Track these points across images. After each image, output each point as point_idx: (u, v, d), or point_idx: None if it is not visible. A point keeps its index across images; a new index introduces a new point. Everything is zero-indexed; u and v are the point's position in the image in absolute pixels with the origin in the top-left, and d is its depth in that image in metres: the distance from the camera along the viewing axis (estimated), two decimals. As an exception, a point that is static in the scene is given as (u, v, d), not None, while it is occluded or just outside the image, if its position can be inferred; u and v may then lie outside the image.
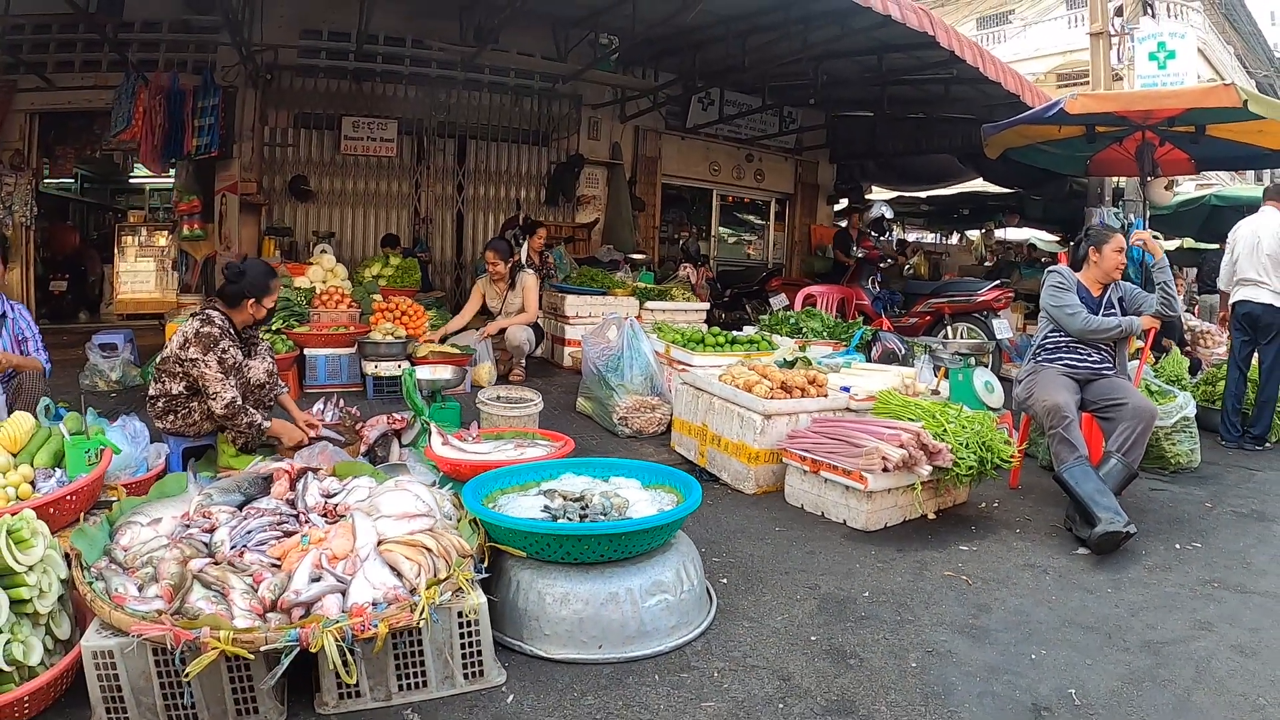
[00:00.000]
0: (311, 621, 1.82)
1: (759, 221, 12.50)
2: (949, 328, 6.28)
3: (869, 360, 5.03)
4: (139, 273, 9.30)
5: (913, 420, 3.50)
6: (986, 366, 4.68)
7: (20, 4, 6.98)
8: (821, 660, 2.21)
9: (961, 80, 7.82)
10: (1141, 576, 3.00)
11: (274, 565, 2.21)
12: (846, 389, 4.03)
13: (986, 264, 10.15)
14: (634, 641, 2.15)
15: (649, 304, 6.58)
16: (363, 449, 3.99)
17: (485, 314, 6.06)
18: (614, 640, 2.13)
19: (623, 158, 9.77)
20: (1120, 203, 8.04)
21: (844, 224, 7.60)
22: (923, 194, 11.36)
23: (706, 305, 7.01)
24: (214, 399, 3.59)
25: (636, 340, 4.69)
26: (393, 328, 5.58)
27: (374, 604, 1.90)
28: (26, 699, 1.90)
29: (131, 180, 11.86)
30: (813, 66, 8.01)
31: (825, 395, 3.89)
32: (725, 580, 2.70)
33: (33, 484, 2.67)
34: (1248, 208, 8.55)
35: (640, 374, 4.58)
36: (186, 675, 1.82)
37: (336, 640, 1.77)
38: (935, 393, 4.28)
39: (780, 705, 1.97)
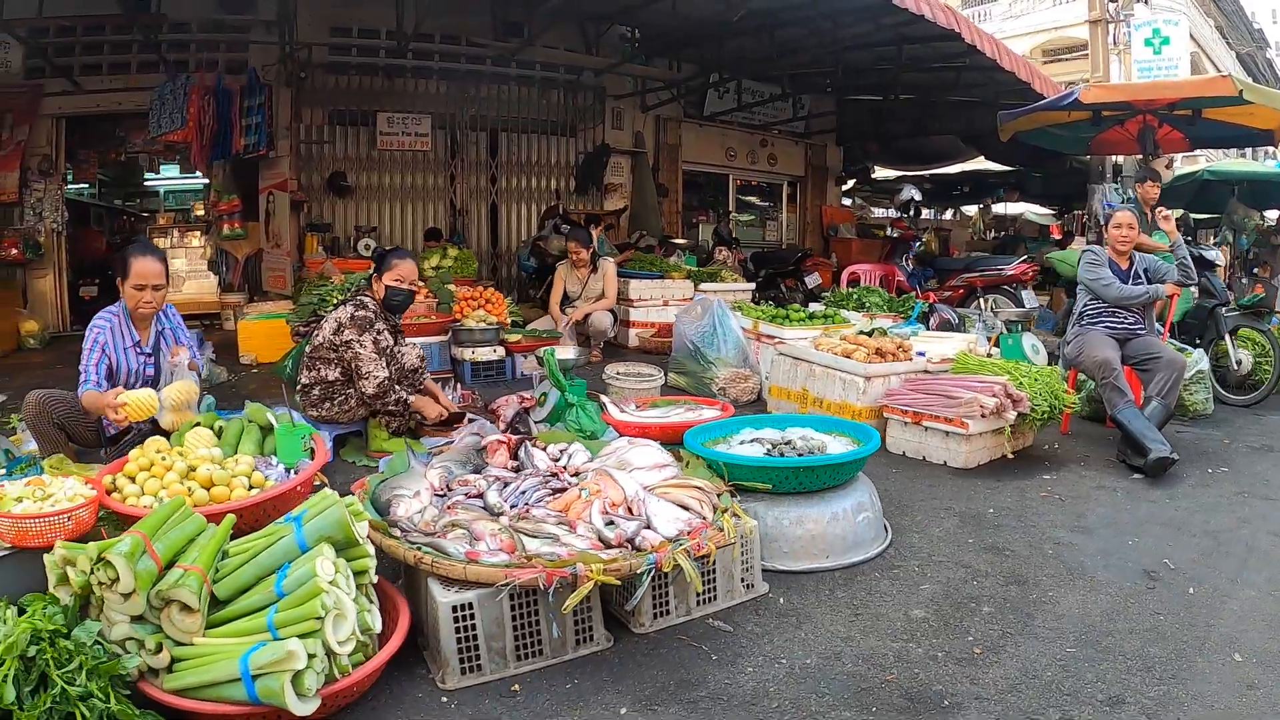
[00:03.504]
0: (661, 548, 2.34)
1: (761, 203, 13.35)
2: (981, 299, 7.18)
3: (928, 329, 5.88)
4: (177, 274, 9.71)
5: (993, 376, 4.33)
6: (1031, 332, 5.55)
7: (51, 6, 7.29)
8: (985, 554, 3.04)
9: (973, 68, 8.69)
10: (1188, 491, 3.89)
11: (559, 516, 2.57)
12: (922, 353, 4.85)
13: (994, 239, 11.11)
14: (851, 550, 2.93)
15: (703, 285, 7.34)
16: (501, 427, 4.63)
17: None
18: (837, 551, 2.90)
19: (645, 146, 10.49)
20: (1119, 179, 9.01)
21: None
22: (926, 173, 12.29)
23: (752, 285, 7.81)
24: (366, 378, 3.99)
25: (725, 318, 5.47)
26: (484, 314, 6.25)
27: (691, 532, 2.44)
28: (375, 668, 2.08)
29: (147, 183, 12.16)
30: (833, 57, 8.81)
31: (911, 360, 4.72)
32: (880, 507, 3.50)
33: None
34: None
35: (733, 348, 5.36)
36: (565, 608, 2.17)
37: (689, 559, 2.31)
38: (989, 355, 5.14)
39: (974, 582, 2.81)
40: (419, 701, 2.11)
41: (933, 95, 9.91)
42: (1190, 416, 5.43)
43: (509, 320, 6.68)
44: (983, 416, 4.01)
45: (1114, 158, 9.17)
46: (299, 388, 4.31)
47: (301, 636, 1.97)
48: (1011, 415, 4.09)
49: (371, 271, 4.38)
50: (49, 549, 2.24)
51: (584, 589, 2.16)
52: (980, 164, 11.53)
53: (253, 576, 2.15)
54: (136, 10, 7.66)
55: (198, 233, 10.13)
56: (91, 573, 2.04)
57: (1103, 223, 5.71)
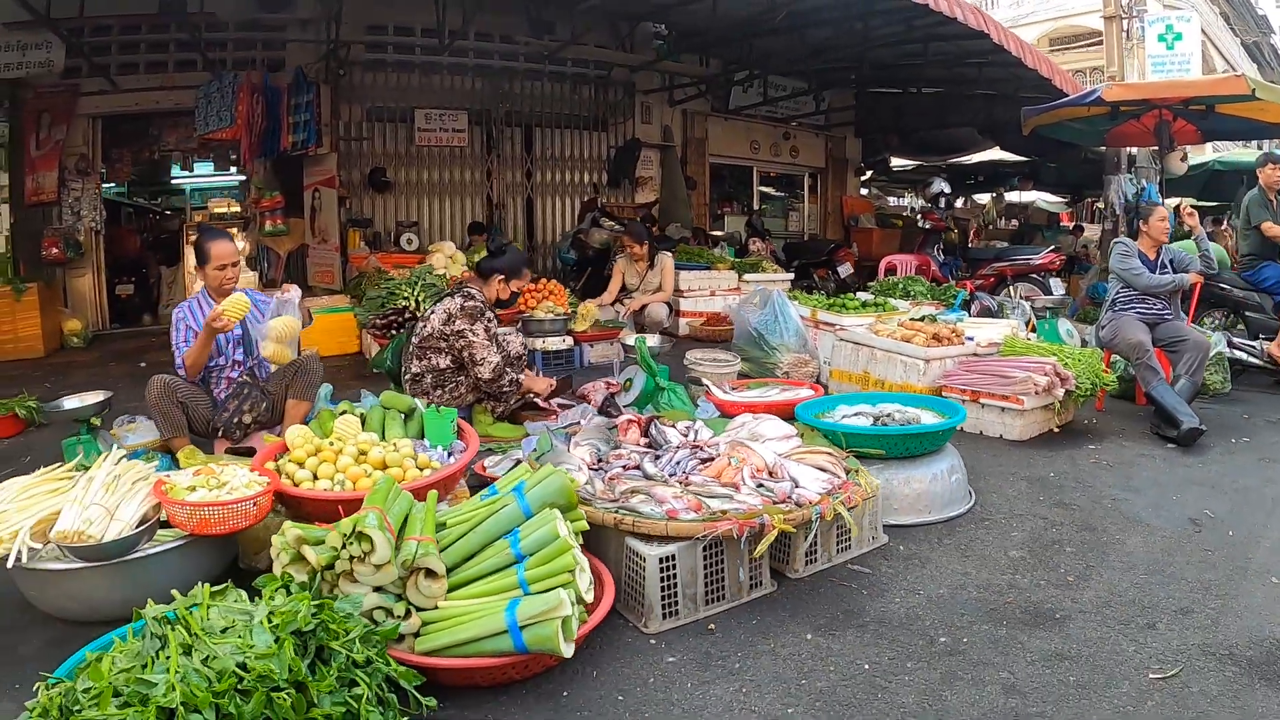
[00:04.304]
0: (822, 500, 2.86)
1: (778, 194, 13.96)
2: (1010, 287, 7.83)
3: (970, 316, 6.51)
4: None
5: (1041, 357, 4.96)
6: (1065, 317, 6.19)
7: (91, 5, 7.68)
8: (1055, 509, 3.67)
9: (995, 64, 9.30)
10: (1216, 458, 4.54)
11: (716, 481, 2.96)
12: (971, 338, 5.48)
13: (1013, 227, 11.77)
14: (948, 506, 3.53)
15: (747, 275, 7.94)
16: (594, 409, 5.18)
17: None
18: (937, 507, 3.50)
19: (674, 140, 11.04)
20: (1133, 169, 9.67)
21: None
22: (943, 163, 12.94)
23: (791, 275, 8.43)
24: (482, 365, 4.45)
25: (785, 307, 6.06)
26: (552, 305, 6.80)
27: (841, 487, 2.98)
28: (603, 614, 2.37)
29: (173, 182, 12.55)
30: (859, 54, 9.39)
31: (963, 344, 5.34)
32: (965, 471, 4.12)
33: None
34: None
35: (794, 335, 5.95)
36: (757, 553, 2.61)
37: (845, 509, 2.86)
38: (1027, 339, 5.77)
39: (1054, 530, 3.44)
40: (629, 645, 2.50)
41: (953, 89, 10.52)
42: (1210, 394, 6.07)
43: (570, 311, 7.26)
44: (1036, 394, 4.64)
45: (1128, 149, 9.84)
46: (409, 376, 4.73)
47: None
48: (1060, 392, 4.73)
49: (495, 265, 4.75)
50: (230, 535, 2.59)
51: (770, 536, 2.61)
52: (995, 154, 12.19)
53: (479, 543, 2.39)
54: (167, 12, 8.02)
55: (234, 229, 10.56)
56: (343, 547, 2.23)
57: (1135, 215, 6.33)
